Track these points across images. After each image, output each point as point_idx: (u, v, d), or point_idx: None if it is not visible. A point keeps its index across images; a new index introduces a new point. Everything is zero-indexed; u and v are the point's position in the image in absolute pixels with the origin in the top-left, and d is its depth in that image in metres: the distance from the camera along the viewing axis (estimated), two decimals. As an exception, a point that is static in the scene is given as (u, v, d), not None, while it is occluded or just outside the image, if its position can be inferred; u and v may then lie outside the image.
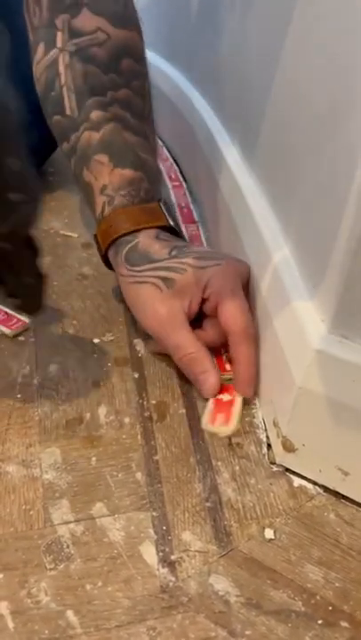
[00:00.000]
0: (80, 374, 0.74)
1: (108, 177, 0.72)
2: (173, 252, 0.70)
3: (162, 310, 0.67)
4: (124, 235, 0.71)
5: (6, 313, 0.81)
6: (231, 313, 0.66)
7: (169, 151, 1.38)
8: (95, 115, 0.71)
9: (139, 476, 0.62)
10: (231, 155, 0.91)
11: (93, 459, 0.64)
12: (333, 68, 0.55)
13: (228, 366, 0.71)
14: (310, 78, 0.60)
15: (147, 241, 0.71)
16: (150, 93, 0.78)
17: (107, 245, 0.74)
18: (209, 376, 0.68)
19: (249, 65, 0.83)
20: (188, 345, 0.67)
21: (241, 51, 0.87)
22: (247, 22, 0.83)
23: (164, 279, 0.67)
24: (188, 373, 0.70)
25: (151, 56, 1.47)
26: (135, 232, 0.71)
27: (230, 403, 0.68)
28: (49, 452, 0.64)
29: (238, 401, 0.68)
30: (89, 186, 0.74)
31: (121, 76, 0.73)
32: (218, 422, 0.66)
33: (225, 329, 0.67)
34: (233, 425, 0.65)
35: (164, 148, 1.39)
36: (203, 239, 1.04)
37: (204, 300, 0.68)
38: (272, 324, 0.65)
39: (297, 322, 0.59)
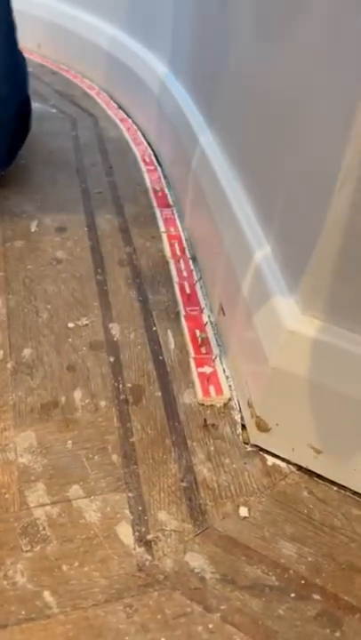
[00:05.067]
0: (55, 358, 0.74)
1: None
2: None
3: None
4: None
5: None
6: None
7: (143, 135, 1.37)
8: None
9: (115, 457, 0.62)
10: (208, 143, 0.91)
11: (69, 442, 0.64)
12: (306, 68, 0.56)
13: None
14: (293, 73, 0.61)
15: None
16: None
17: None
18: None
19: (228, 54, 0.83)
20: None
21: (220, 38, 0.87)
22: (229, 13, 0.83)
23: None
24: None
25: (130, 42, 1.45)
26: None
27: (214, 373, 0.72)
28: (24, 436, 0.64)
29: (219, 370, 0.73)
30: None
31: None
32: (212, 394, 0.70)
33: None
34: (227, 392, 0.70)
35: (138, 132, 1.38)
36: (177, 223, 1.04)
37: None
38: (250, 313, 0.65)
39: (273, 307, 0.59)
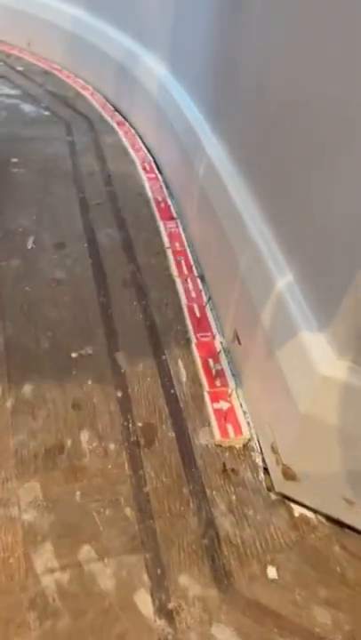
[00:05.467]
0: (58, 394, 0.68)
1: None
2: None
3: None
4: None
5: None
6: None
7: (142, 139, 1.31)
8: None
9: (128, 511, 0.57)
10: (216, 154, 0.85)
11: (77, 493, 0.58)
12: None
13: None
14: (319, 86, 0.55)
15: None
16: None
17: None
18: None
19: (246, 56, 0.77)
20: None
21: (235, 39, 0.81)
22: (245, 20, 0.77)
23: None
24: None
25: (127, 41, 1.39)
26: None
27: (231, 410, 0.67)
28: (28, 488, 0.58)
29: (236, 405, 0.67)
30: None
31: None
32: (231, 434, 0.64)
33: None
34: (246, 432, 0.65)
35: (137, 137, 1.32)
36: (183, 238, 0.98)
37: None
38: (272, 348, 0.60)
39: (301, 347, 0.54)
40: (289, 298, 0.58)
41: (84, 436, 0.64)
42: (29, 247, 0.92)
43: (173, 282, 0.88)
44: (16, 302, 0.81)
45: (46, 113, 1.41)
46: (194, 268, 0.90)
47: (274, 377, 0.59)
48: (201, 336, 0.77)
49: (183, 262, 0.92)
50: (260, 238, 0.67)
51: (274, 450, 0.59)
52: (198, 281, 0.88)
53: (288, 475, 0.57)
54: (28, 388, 0.68)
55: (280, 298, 0.59)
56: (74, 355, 0.73)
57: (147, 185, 1.13)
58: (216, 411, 0.67)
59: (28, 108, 1.42)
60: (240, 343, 0.71)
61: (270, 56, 0.65)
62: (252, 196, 0.71)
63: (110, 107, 1.47)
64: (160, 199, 1.09)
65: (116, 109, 1.45)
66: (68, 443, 0.63)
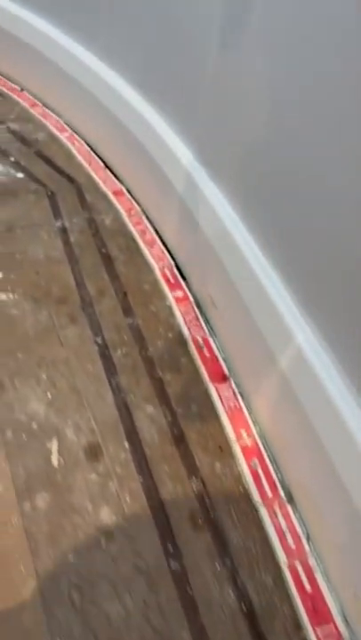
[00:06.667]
0: None
1: None
2: None
3: None
4: None
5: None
6: None
7: (151, 223, 1.01)
8: None
9: None
10: (310, 345, 0.62)
11: None
12: None
13: None
14: None
15: None
16: None
17: None
18: None
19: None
20: None
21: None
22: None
23: None
24: None
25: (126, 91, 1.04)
26: None
27: None
28: None
29: None
30: None
31: None
32: None
33: None
34: None
35: (144, 217, 1.04)
36: (247, 418, 0.75)
37: None
38: None
39: None
40: None
41: None
42: (55, 462, 0.66)
43: (256, 511, 0.67)
44: (62, 590, 0.56)
45: (19, 175, 1.08)
46: (278, 485, 0.69)
47: None
48: (324, 635, 0.58)
49: (260, 470, 0.70)
50: None
51: None
52: (290, 510, 0.67)
53: None
54: None
55: None
56: None
57: (177, 311, 0.88)
58: None
59: (-8, 165, 1.09)
60: None
61: None
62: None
63: (98, 160, 1.16)
64: (200, 340, 0.84)
65: (106, 164, 1.15)
66: None
